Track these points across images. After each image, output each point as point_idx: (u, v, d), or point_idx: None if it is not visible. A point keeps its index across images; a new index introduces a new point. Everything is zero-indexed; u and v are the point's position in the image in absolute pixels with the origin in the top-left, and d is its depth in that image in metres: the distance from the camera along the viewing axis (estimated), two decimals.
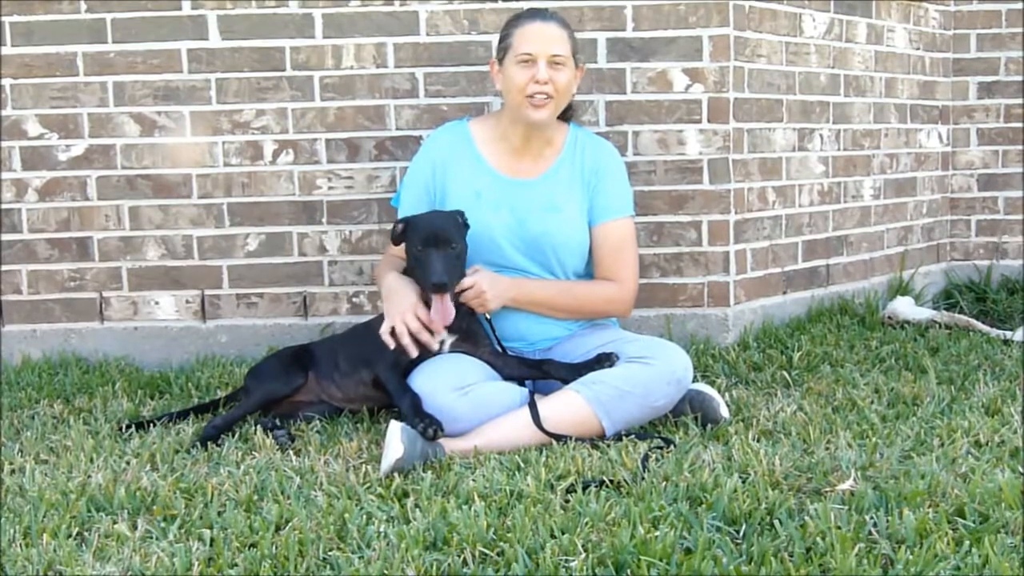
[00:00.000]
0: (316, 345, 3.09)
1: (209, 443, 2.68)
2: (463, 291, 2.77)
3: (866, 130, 4.22)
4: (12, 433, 2.85)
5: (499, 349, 2.85)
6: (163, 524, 2.14)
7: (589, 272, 3.03)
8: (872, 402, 2.95)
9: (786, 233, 3.92)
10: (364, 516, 2.14)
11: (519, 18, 2.90)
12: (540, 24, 2.85)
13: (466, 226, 2.82)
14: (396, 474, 2.37)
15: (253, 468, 2.46)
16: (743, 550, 1.94)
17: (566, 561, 1.90)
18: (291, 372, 2.92)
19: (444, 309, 2.70)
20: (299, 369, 2.93)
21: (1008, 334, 3.79)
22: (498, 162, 2.97)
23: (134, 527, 2.12)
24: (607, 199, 2.98)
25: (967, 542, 1.93)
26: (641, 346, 2.80)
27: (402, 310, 2.74)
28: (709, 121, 3.57)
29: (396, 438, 2.40)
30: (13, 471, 2.52)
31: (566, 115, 3.01)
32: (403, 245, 2.83)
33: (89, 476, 2.42)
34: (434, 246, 2.71)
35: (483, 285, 2.78)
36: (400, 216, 2.97)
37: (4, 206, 3.59)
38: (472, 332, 2.83)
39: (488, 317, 2.86)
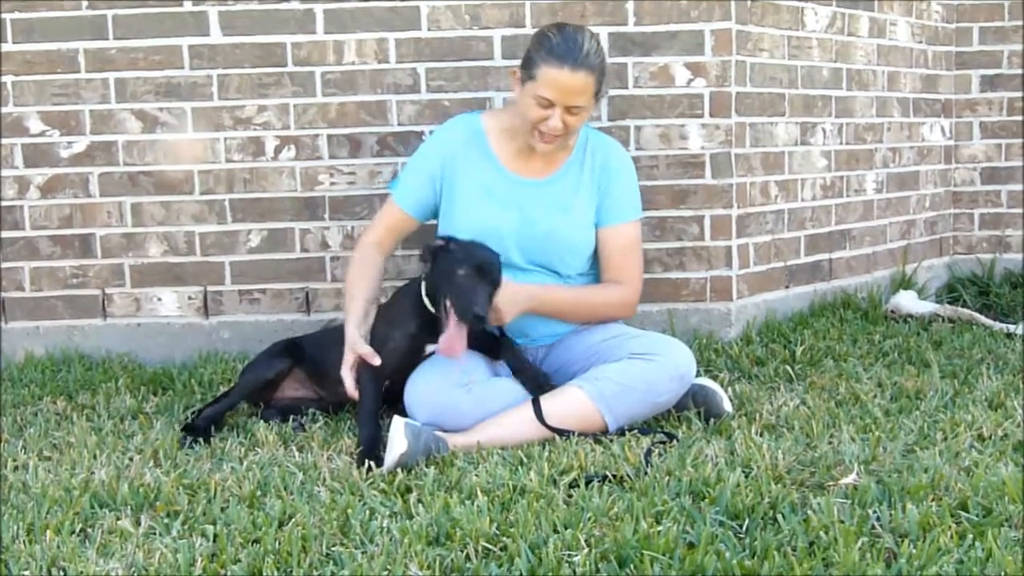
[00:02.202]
0: (307, 340, 3.08)
1: (199, 436, 2.69)
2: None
3: (868, 124, 4.21)
4: (15, 430, 2.85)
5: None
6: (166, 520, 2.14)
7: (592, 271, 3.02)
8: (875, 396, 2.95)
9: (788, 227, 3.92)
10: (367, 511, 2.14)
11: (551, 53, 2.71)
12: (569, 74, 2.69)
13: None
14: (399, 469, 2.37)
15: (256, 464, 2.47)
16: (746, 544, 1.94)
17: (569, 556, 1.90)
18: (275, 358, 2.95)
19: (460, 337, 2.56)
20: (285, 356, 2.96)
21: (1011, 328, 3.78)
22: (509, 160, 2.96)
23: (137, 523, 2.13)
24: (616, 202, 2.97)
25: (970, 536, 1.93)
26: (644, 342, 2.80)
27: (346, 371, 2.70)
28: (711, 115, 3.57)
29: (400, 433, 2.41)
30: (16, 468, 2.52)
31: None
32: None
33: (92, 472, 2.42)
34: (485, 277, 2.59)
35: (499, 303, 2.67)
36: (394, 198, 2.97)
37: (6, 203, 3.59)
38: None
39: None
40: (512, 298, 2.73)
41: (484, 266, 2.61)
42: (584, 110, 2.79)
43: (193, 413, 2.89)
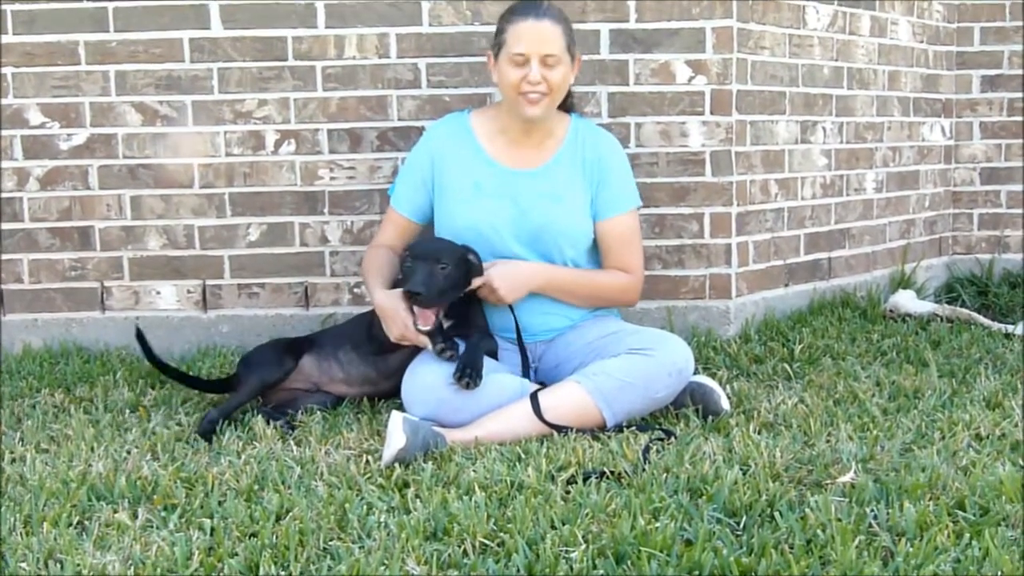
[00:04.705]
0: (318, 332, 3.12)
1: (211, 436, 2.66)
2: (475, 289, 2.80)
3: (869, 123, 4.21)
4: (13, 422, 2.85)
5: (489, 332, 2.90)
6: (164, 513, 2.14)
7: (591, 261, 3.03)
8: (873, 395, 2.95)
9: (788, 226, 3.92)
10: (365, 506, 2.14)
11: (513, 13, 2.85)
12: (533, 22, 2.80)
13: (475, 263, 2.78)
14: (397, 464, 2.37)
15: (254, 458, 2.47)
16: (743, 542, 1.94)
17: (566, 552, 1.90)
18: (283, 358, 2.94)
19: (423, 315, 2.70)
20: (291, 355, 2.95)
21: (1009, 328, 3.79)
22: (498, 153, 2.96)
23: (135, 516, 2.13)
24: (613, 194, 2.97)
25: (967, 535, 1.94)
26: (642, 338, 2.80)
27: (398, 334, 2.76)
28: (712, 113, 3.57)
29: (398, 428, 2.41)
30: (14, 460, 2.52)
31: (567, 105, 3.00)
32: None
33: (90, 465, 2.42)
34: (422, 259, 2.70)
35: (494, 283, 2.78)
36: (392, 204, 3.02)
37: (5, 195, 3.59)
38: (468, 319, 2.84)
39: (511, 307, 2.88)
40: (510, 275, 2.82)
41: (425, 252, 2.73)
42: (559, 63, 2.82)
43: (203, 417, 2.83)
